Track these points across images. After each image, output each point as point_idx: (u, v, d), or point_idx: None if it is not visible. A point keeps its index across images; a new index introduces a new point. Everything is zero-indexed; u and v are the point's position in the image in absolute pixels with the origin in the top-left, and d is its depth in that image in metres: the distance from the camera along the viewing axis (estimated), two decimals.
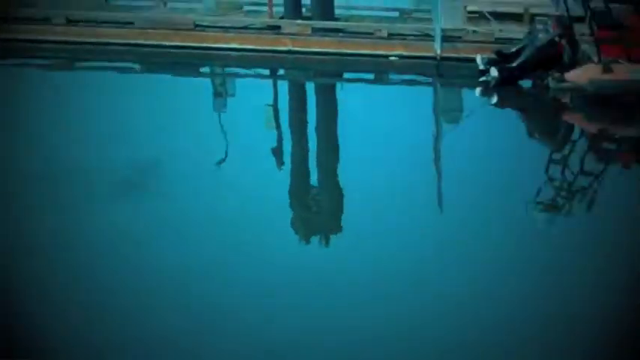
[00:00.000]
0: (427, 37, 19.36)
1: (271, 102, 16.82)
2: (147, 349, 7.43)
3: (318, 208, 11.88)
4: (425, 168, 12.78)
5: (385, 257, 9.57)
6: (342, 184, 12.42)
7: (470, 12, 21.27)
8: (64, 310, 8.02)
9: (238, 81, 19.05)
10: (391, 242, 9.96)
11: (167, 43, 19.62)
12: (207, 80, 19.34)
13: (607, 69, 15.55)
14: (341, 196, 11.97)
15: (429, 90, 18.74)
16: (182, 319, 7.90)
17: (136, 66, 19.82)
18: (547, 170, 13.02)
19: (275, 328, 7.79)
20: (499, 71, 16.79)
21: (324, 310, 8.19)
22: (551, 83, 16.68)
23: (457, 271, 9.13)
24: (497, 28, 19.54)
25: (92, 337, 7.45)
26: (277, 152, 13.71)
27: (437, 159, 13.43)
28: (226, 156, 13.16)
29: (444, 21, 19.31)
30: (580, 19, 16.71)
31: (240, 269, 9.08)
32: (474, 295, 8.57)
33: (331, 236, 10.55)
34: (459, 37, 19.57)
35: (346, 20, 20.98)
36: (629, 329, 7.97)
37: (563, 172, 13.08)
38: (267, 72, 19.76)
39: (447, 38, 19.25)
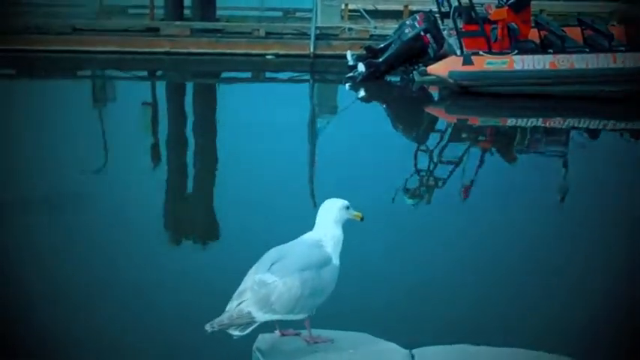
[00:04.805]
0: (304, 35, 19.48)
1: (150, 102, 16.48)
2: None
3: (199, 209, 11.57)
4: (299, 164, 12.76)
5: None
6: (222, 182, 11.98)
7: (351, 10, 21.57)
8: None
9: (117, 83, 18.48)
10: (275, 234, 9.66)
11: (45, 48, 19.01)
12: (86, 83, 18.79)
13: (467, 61, 15.85)
14: (221, 196, 11.70)
15: (301, 87, 18.45)
16: None
17: (14, 72, 19.20)
18: (414, 159, 13.25)
19: None
20: (366, 66, 16.77)
21: None
22: (416, 76, 16.89)
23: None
24: (372, 25, 19.82)
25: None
26: (156, 153, 13.49)
27: (311, 155, 13.40)
28: (107, 159, 12.82)
29: (322, 19, 19.40)
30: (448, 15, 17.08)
31: (132, 280, 8.50)
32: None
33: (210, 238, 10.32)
34: (336, 35, 19.71)
35: (227, 21, 20.91)
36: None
37: (429, 161, 13.35)
38: (145, 74, 19.33)
39: (324, 36, 19.33)
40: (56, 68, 18.62)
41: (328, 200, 4.03)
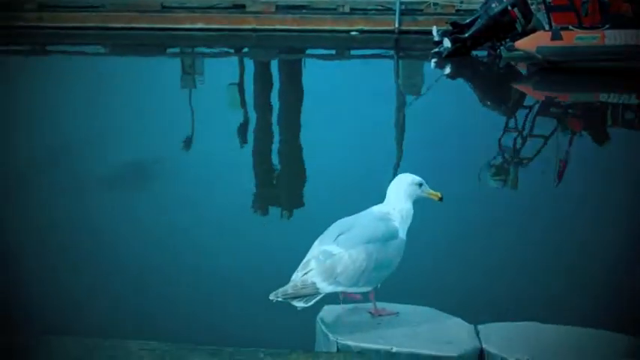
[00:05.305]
0: (389, 11, 19.32)
1: (236, 80, 16.75)
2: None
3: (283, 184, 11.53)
4: (384, 140, 12.71)
5: None
6: (307, 158, 12.01)
7: None
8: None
9: (205, 60, 18.80)
10: (354, 207, 9.51)
11: (135, 25, 19.58)
12: (175, 60, 19.19)
13: (556, 35, 15.48)
14: (304, 170, 11.81)
15: (386, 63, 18.32)
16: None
17: (105, 49, 19.78)
18: (500, 138, 12.99)
19: None
20: (452, 41, 16.55)
21: None
22: (503, 52, 16.59)
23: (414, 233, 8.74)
24: (458, 0, 19.52)
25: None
26: (244, 130, 13.64)
27: (397, 131, 13.36)
28: (193, 133, 12.94)
29: None
30: None
31: (209, 250, 8.64)
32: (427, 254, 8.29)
33: (294, 211, 10.37)
34: (421, 10, 19.52)
35: None
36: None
37: (515, 139, 13.08)
38: (232, 50, 19.63)
39: (409, 11, 19.15)
40: (146, 45, 19.12)
41: (401, 175, 3.94)
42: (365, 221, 3.79)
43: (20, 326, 5.27)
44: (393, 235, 3.75)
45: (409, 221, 3.83)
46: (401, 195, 3.80)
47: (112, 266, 7.11)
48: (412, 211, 3.83)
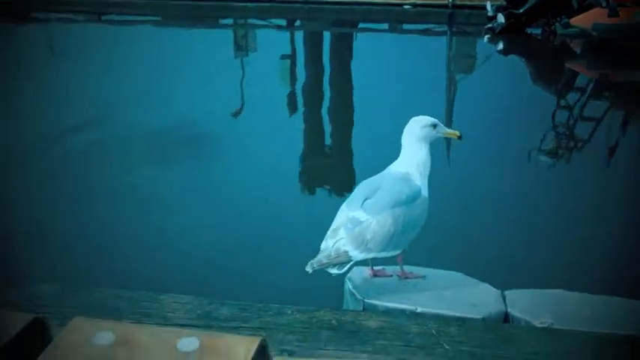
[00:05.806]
0: None
1: (288, 52, 16.83)
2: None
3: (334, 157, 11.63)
4: (435, 115, 12.55)
5: None
6: (356, 131, 11.93)
7: None
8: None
9: (257, 32, 18.96)
10: None
11: None
12: (227, 31, 19.42)
13: (613, 12, 15.17)
14: (351, 142, 11.76)
15: (438, 39, 18.03)
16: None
17: (157, 19, 20.03)
18: (552, 117, 12.83)
19: None
20: (505, 17, 16.33)
21: None
22: (559, 29, 16.36)
23: (463, 213, 8.80)
24: None
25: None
26: (293, 101, 13.74)
27: (448, 105, 13.27)
28: (243, 103, 12.96)
29: None
30: None
31: (251, 218, 8.25)
32: (478, 235, 8.29)
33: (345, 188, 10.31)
34: None
35: None
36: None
37: (568, 119, 12.89)
38: (283, 22, 19.64)
39: None
40: (198, 16, 19.29)
41: (414, 117, 3.84)
42: (388, 185, 3.79)
43: (56, 277, 5.48)
44: (416, 196, 3.77)
45: (428, 171, 3.81)
46: (415, 139, 3.77)
47: (155, 228, 7.30)
48: (429, 158, 3.80)
